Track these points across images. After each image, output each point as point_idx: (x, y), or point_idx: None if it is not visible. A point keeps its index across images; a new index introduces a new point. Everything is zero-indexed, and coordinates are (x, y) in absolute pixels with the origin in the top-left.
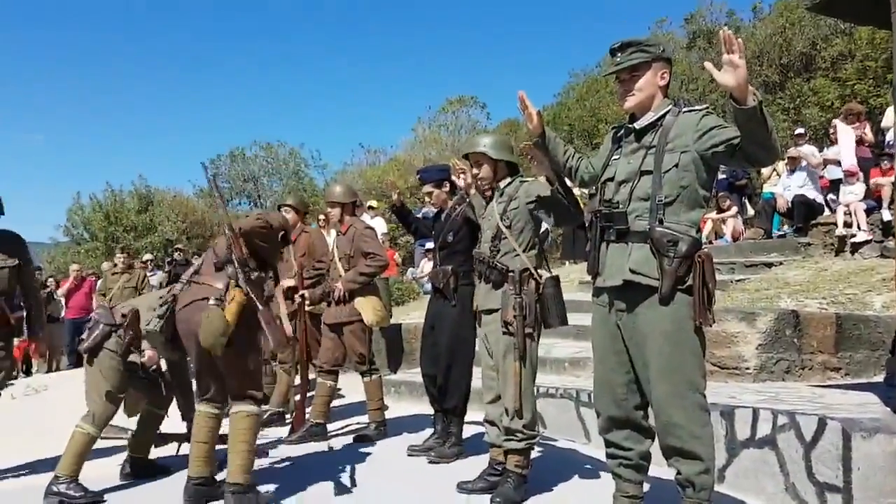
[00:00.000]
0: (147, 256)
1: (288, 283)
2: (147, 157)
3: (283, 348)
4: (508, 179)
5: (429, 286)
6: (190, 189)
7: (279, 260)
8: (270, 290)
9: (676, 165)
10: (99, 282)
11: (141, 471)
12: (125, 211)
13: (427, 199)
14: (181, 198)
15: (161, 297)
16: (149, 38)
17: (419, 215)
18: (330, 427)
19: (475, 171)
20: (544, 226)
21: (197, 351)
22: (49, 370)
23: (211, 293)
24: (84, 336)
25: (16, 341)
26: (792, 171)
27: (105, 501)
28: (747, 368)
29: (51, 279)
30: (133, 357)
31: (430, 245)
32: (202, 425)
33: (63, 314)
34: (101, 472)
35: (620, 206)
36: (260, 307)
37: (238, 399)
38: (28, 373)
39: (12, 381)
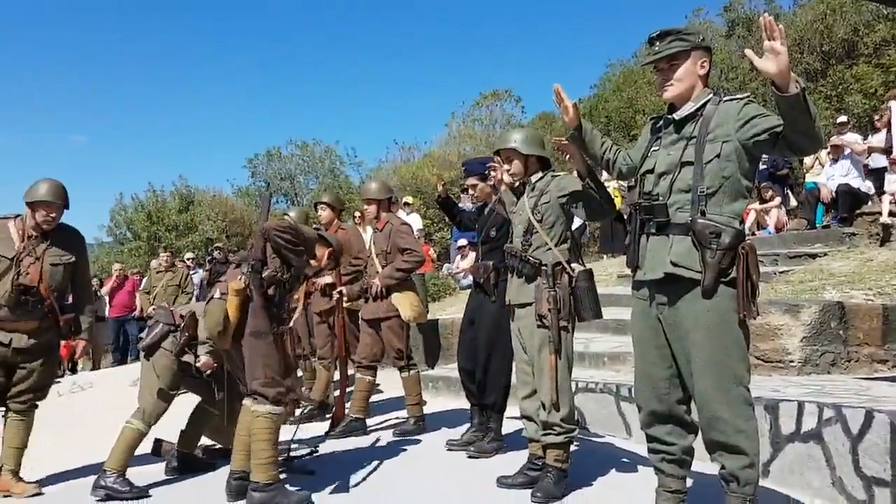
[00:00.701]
0: (188, 255)
1: (325, 279)
2: (187, 157)
3: (259, 337)
4: (539, 174)
5: (465, 282)
6: (229, 188)
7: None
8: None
9: (718, 156)
10: (144, 280)
11: (187, 466)
12: (167, 210)
13: (470, 191)
14: (220, 197)
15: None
16: (188, 40)
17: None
18: (369, 422)
19: (506, 166)
20: (580, 220)
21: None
22: (93, 368)
23: (221, 287)
24: (143, 334)
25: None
26: (835, 160)
27: (150, 496)
28: (792, 361)
29: (95, 278)
30: (187, 357)
31: (461, 242)
32: (244, 420)
33: (107, 312)
34: (148, 468)
35: (661, 198)
36: (254, 297)
37: (250, 397)
38: (73, 370)
39: (59, 379)
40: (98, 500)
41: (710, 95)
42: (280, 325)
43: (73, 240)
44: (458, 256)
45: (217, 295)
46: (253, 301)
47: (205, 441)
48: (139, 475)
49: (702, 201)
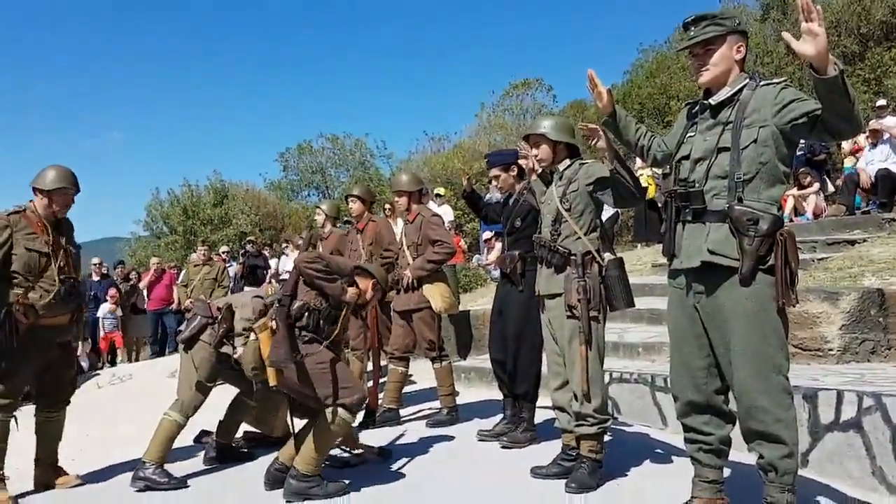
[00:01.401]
0: (223, 248)
1: None
2: (221, 152)
3: (280, 364)
4: (567, 162)
5: (496, 273)
6: (261, 182)
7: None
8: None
9: (755, 141)
10: (181, 274)
11: (225, 456)
12: (201, 205)
13: (494, 183)
14: (253, 191)
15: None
16: (220, 38)
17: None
18: (402, 412)
19: (534, 151)
20: (612, 209)
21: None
22: (130, 360)
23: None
24: (182, 327)
25: (101, 332)
26: (874, 145)
27: (188, 487)
28: (831, 350)
29: (133, 272)
30: (225, 349)
31: (486, 234)
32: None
33: (145, 306)
34: (187, 458)
35: (697, 184)
36: (277, 327)
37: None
38: (113, 363)
39: (98, 371)
40: (137, 491)
41: (747, 80)
42: (331, 346)
43: (71, 226)
44: (486, 249)
45: (252, 337)
46: (276, 333)
47: (247, 427)
48: (179, 466)
49: (739, 188)
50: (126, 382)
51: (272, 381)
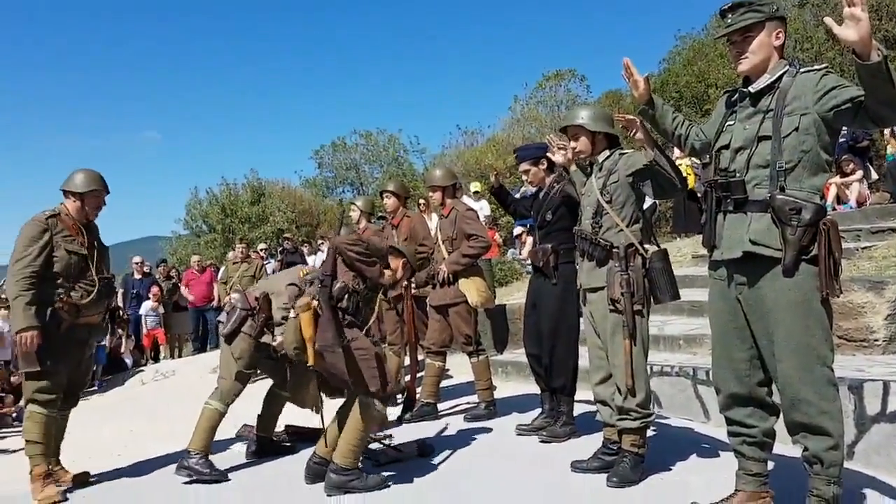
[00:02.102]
0: (261, 246)
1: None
2: (257, 150)
3: (327, 348)
4: (607, 153)
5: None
6: (297, 180)
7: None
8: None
9: (797, 129)
10: (220, 271)
11: (266, 449)
12: (239, 203)
13: (524, 177)
14: (289, 189)
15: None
16: (256, 37)
17: (517, 195)
18: (440, 407)
19: (573, 144)
20: (650, 200)
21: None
22: (173, 356)
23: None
24: (222, 318)
25: (144, 329)
26: None
27: (230, 480)
28: (876, 340)
29: (174, 269)
30: (265, 338)
31: (517, 230)
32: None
33: (187, 303)
34: (230, 452)
35: (738, 174)
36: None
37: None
38: (156, 359)
39: (142, 368)
40: (184, 482)
41: (787, 67)
42: (362, 331)
43: (97, 226)
44: (519, 244)
45: (291, 314)
46: (322, 315)
47: (288, 421)
48: (221, 459)
49: (781, 176)
50: (169, 378)
51: (311, 362)
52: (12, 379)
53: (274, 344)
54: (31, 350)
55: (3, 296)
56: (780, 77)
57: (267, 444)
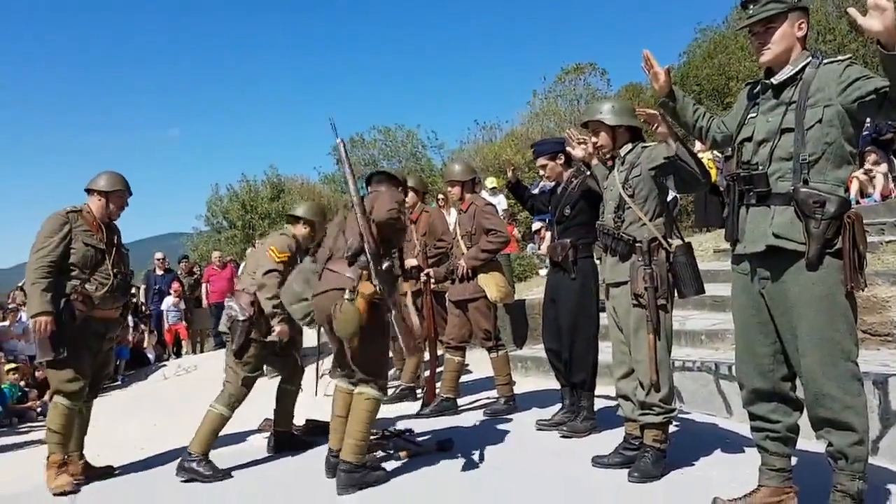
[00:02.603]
0: None
1: (411, 262)
2: (276, 146)
3: (412, 353)
4: (629, 146)
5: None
6: (316, 176)
7: (404, 239)
8: (397, 271)
9: (820, 121)
10: (240, 267)
11: (285, 444)
12: (259, 199)
13: (541, 172)
14: (308, 184)
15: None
16: (275, 34)
17: (536, 190)
18: (460, 402)
19: (594, 139)
20: (672, 193)
21: (332, 334)
22: (195, 351)
23: (344, 284)
24: (224, 327)
25: (166, 324)
26: None
27: (232, 477)
28: None
29: (195, 265)
30: (272, 337)
31: (536, 225)
32: (339, 400)
33: (208, 299)
34: (245, 446)
35: (760, 167)
36: (392, 312)
37: (363, 382)
38: (178, 354)
39: (165, 363)
40: (182, 481)
41: (809, 58)
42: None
43: (119, 231)
44: (537, 239)
45: (347, 295)
46: (388, 307)
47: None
48: (241, 453)
49: (804, 169)
50: (191, 373)
51: (354, 343)
52: (37, 374)
53: (274, 336)
54: (44, 335)
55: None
56: (803, 68)
57: (286, 439)
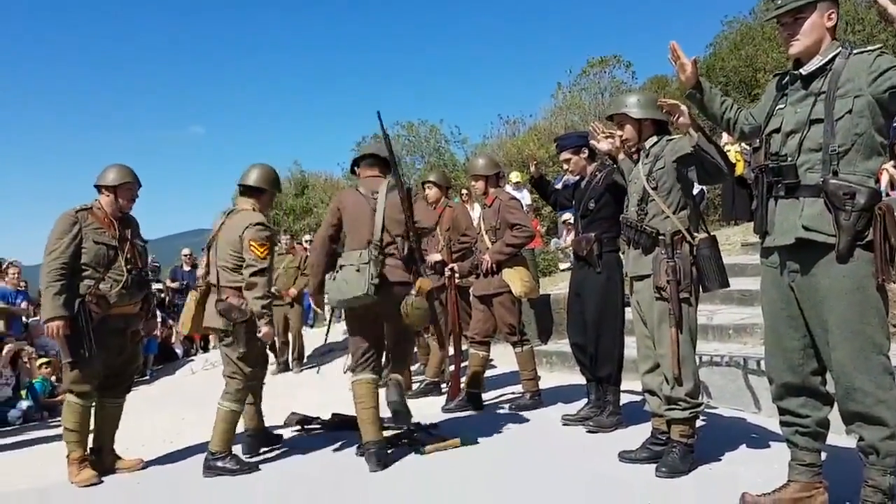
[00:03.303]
0: (306, 238)
1: (435, 257)
2: (300, 142)
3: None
4: (654, 139)
5: None
6: (339, 171)
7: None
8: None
9: (850, 111)
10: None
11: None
12: (283, 196)
13: (565, 166)
14: (332, 180)
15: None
16: (298, 31)
17: (559, 185)
18: (485, 396)
19: (619, 132)
20: (698, 187)
21: (391, 326)
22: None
23: (407, 279)
24: (224, 331)
25: None
26: None
27: (260, 469)
28: None
29: None
30: (259, 335)
31: (565, 216)
32: (368, 392)
33: None
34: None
35: (789, 158)
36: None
37: (396, 368)
38: (206, 349)
39: (192, 357)
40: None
41: (839, 49)
42: None
43: (136, 223)
44: (565, 231)
45: (414, 292)
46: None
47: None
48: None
49: (834, 160)
50: (218, 368)
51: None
52: None
53: (260, 335)
54: (59, 339)
55: None
56: (833, 59)
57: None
